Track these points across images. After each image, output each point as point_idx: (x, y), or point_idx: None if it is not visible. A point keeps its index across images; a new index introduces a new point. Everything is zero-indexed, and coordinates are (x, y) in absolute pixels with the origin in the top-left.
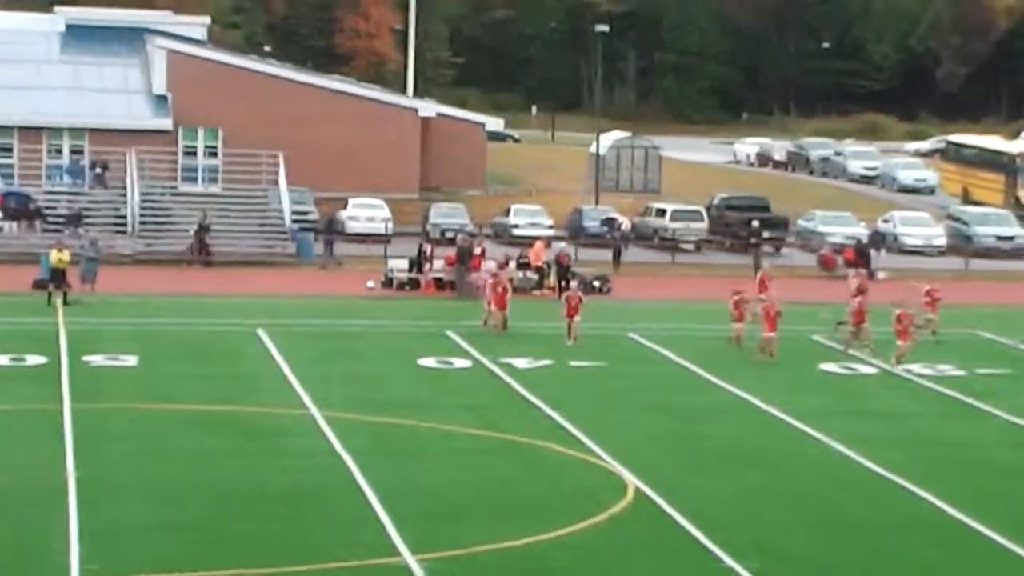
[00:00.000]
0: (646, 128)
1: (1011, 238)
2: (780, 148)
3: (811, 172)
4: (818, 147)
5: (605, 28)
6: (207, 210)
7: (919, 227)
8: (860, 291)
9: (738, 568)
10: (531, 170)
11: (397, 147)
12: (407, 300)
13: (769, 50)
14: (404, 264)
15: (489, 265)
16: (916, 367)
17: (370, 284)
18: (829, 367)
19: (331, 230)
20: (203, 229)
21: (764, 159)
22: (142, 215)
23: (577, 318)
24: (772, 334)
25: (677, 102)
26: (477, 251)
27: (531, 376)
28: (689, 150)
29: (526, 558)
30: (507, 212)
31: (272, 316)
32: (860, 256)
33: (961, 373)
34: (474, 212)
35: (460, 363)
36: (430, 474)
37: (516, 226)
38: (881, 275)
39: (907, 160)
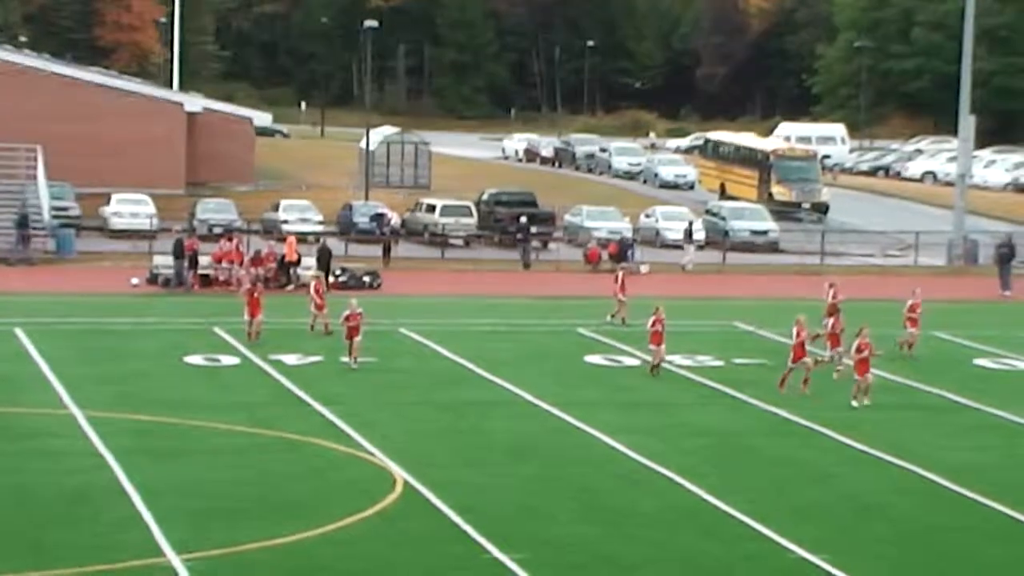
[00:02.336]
0: (417, 124)
1: (765, 232)
2: (547, 144)
3: (577, 168)
4: (584, 143)
5: (376, 24)
6: None
7: (679, 222)
8: (830, 313)
9: (505, 559)
10: (301, 165)
11: (162, 142)
12: (173, 297)
13: (537, 48)
14: (170, 260)
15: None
16: (677, 358)
17: (135, 281)
18: (594, 359)
19: (24, 224)
20: None
21: (532, 155)
22: None
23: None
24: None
25: (449, 98)
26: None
27: (301, 372)
28: (459, 146)
29: (294, 554)
30: (276, 207)
31: (30, 314)
32: (622, 251)
33: (719, 364)
34: (243, 208)
35: (228, 360)
36: (197, 473)
37: (286, 222)
38: (643, 269)
39: (668, 156)
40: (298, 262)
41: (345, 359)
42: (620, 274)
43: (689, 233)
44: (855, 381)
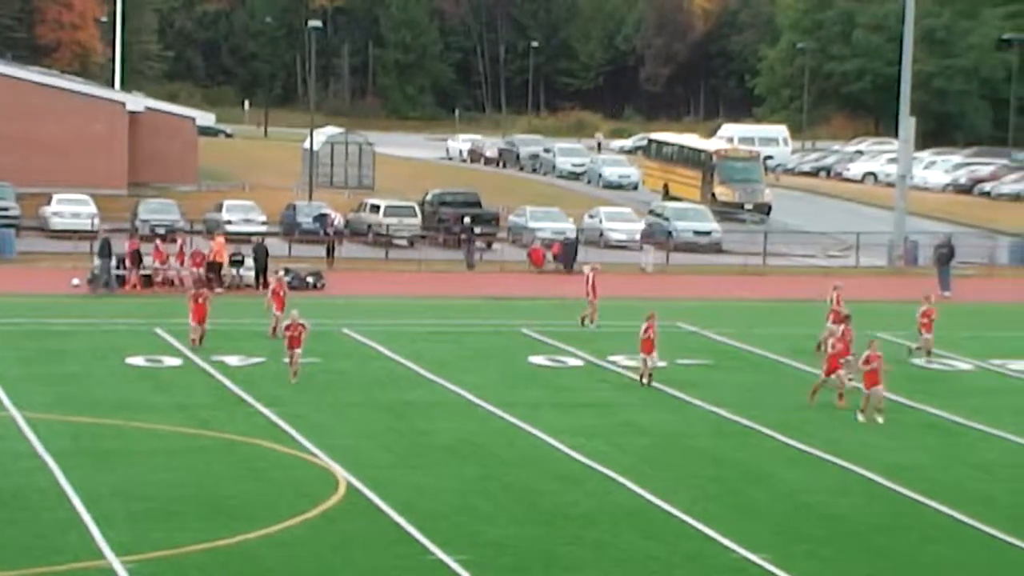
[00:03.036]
0: (361, 124)
1: (708, 233)
2: (492, 145)
3: (521, 168)
4: (528, 144)
5: (319, 24)
6: None
7: (623, 222)
8: (837, 320)
9: (448, 559)
10: (244, 165)
11: (103, 142)
12: (114, 298)
13: (481, 48)
14: (112, 261)
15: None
16: (620, 358)
17: (75, 282)
18: (538, 360)
19: None
20: None
21: (476, 155)
22: None
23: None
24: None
25: (393, 98)
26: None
27: (244, 373)
28: (403, 146)
29: (237, 556)
30: (219, 208)
31: None
32: (565, 251)
33: (663, 364)
34: (186, 208)
35: (170, 361)
36: (138, 475)
37: (229, 222)
38: (587, 269)
39: (612, 157)
40: (230, 264)
41: (287, 359)
42: (591, 275)
43: (648, 234)
44: (863, 394)
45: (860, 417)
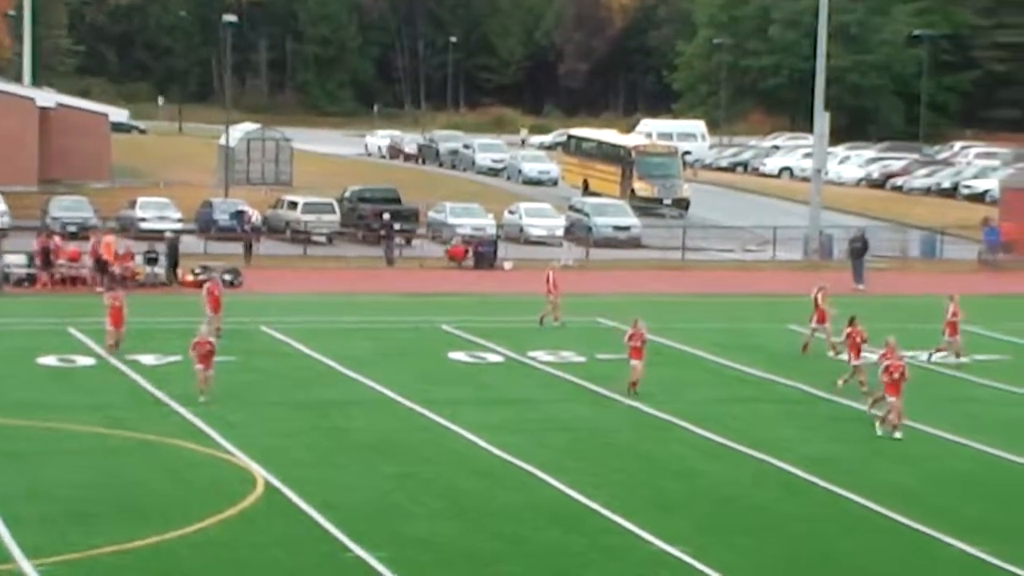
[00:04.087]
0: (279, 120)
1: (627, 228)
2: (411, 141)
3: (441, 165)
4: (447, 140)
5: (235, 18)
6: None
7: (543, 218)
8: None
9: (368, 557)
10: (159, 162)
11: (14, 138)
12: (25, 297)
13: (401, 43)
14: (22, 259)
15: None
16: (540, 354)
17: None
18: (458, 356)
19: None
20: None
21: (395, 152)
22: None
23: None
24: (636, 362)
25: (311, 94)
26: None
27: (159, 373)
28: (322, 142)
29: (153, 558)
30: (133, 205)
31: None
32: (485, 247)
33: (582, 359)
34: (99, 205)
35: (84, 361)
36: (51, 476)
37: (144, 219)
38: (506, 265)
39: (532, 153)
40: (145, 261)
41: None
42: (551, 273)
43: (567, 230)
44: (882, 403)
45: (879, 431)
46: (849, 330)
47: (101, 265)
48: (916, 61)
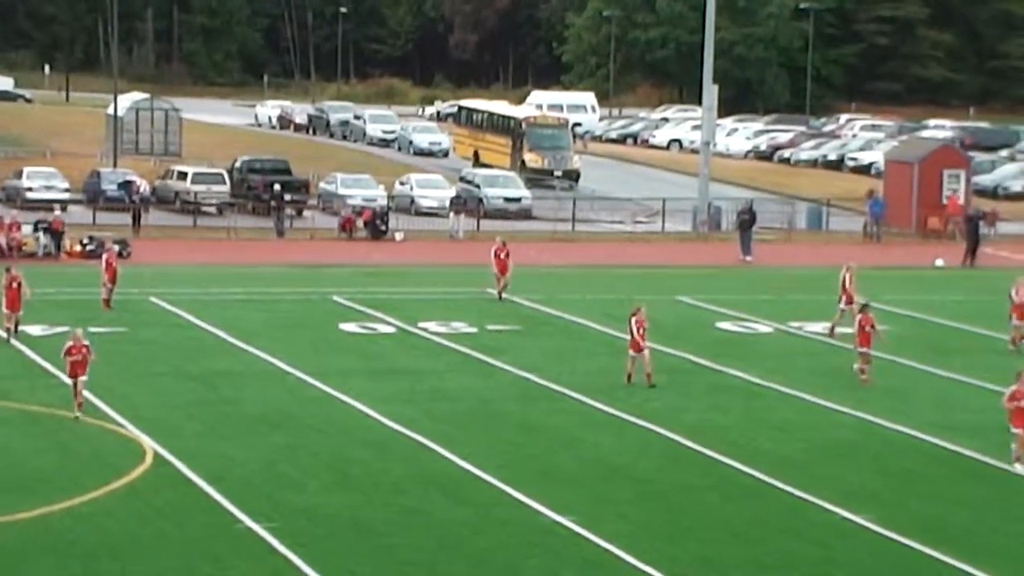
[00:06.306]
0: (167, 90)
1: (518, 200)
2: (301, 111)
3: (332, 135)
4: (338, 111)
5: None
6: None
7: (434, 189)
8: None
9: (258, 528)
10: (45, 132)
11: None
12: None
13: (290, 13)
14: None
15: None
16: (431, 325)
17: None
18: (349, 327)
19: None
20: None
21: (286, 122)
22: None
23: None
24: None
25: (200, 64)
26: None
27: (47, 344)
28: (211, 112)
29: (39, 529)
30: (19, 175)
31: None
32: (376, 218)
33: (473, 330)
34: None
35: None
36: None
37: (30, 189)
38: (397, 236)
39: (423, 124)
40: (35, 231)
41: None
42: (496, 248)
43: (459, 200)
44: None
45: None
46: (860, 318)
47: None
48: (802, 34)
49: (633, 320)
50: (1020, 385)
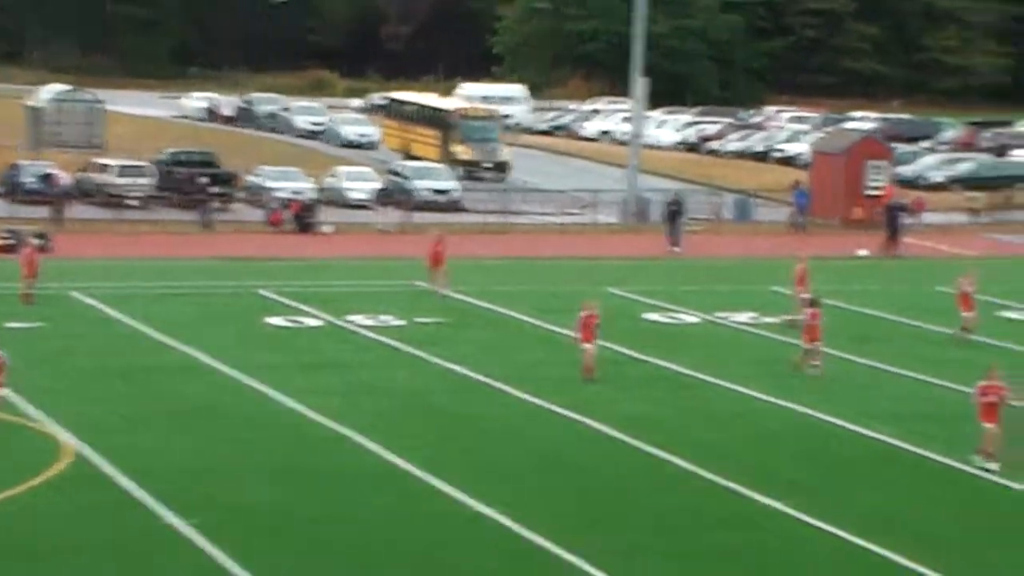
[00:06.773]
0: (92, 82)
1: (447, 191)
2: (228, 103)
3: (259, 127)
4: (266, 103)
5: None
6: None
7: (363, 182)
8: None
9: (182, 525)
10: None
11: None
12: None
13: (218, 4)
14: None
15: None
16: (359, 318)
17: None
18: (275, 321)
19: None
20: None
21: (213, 114)
22: None
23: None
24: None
25: (126, 55)
26: None
27: None
28: (137, 104)
29: None
30: None
31: None
32: (305, 211)
33: (402, 323)
34: None
35: None
36: None
37: None
38: (326, 229)
39: (352, 116)
40: None
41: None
42: (435, 244)
43: (386, 192)
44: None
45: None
46: (809, 312)
47: None
48: (731, 27)
49: (584, 315)
50: (990, 380)
